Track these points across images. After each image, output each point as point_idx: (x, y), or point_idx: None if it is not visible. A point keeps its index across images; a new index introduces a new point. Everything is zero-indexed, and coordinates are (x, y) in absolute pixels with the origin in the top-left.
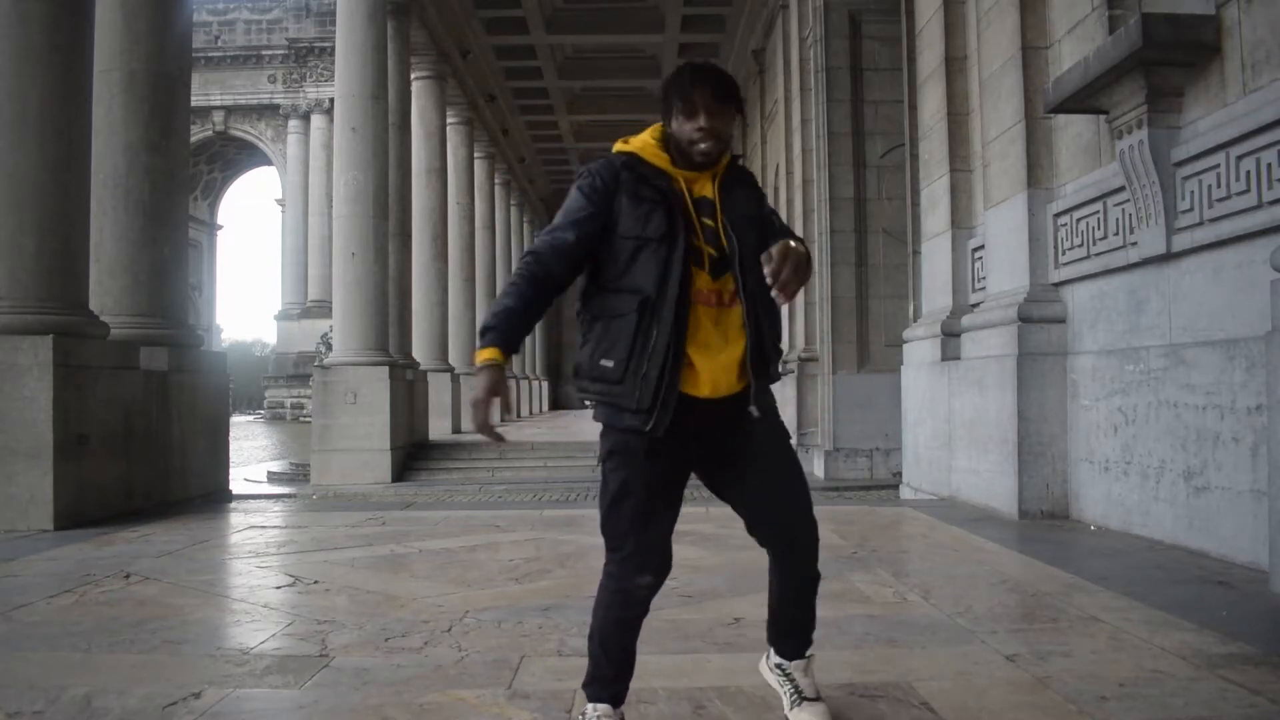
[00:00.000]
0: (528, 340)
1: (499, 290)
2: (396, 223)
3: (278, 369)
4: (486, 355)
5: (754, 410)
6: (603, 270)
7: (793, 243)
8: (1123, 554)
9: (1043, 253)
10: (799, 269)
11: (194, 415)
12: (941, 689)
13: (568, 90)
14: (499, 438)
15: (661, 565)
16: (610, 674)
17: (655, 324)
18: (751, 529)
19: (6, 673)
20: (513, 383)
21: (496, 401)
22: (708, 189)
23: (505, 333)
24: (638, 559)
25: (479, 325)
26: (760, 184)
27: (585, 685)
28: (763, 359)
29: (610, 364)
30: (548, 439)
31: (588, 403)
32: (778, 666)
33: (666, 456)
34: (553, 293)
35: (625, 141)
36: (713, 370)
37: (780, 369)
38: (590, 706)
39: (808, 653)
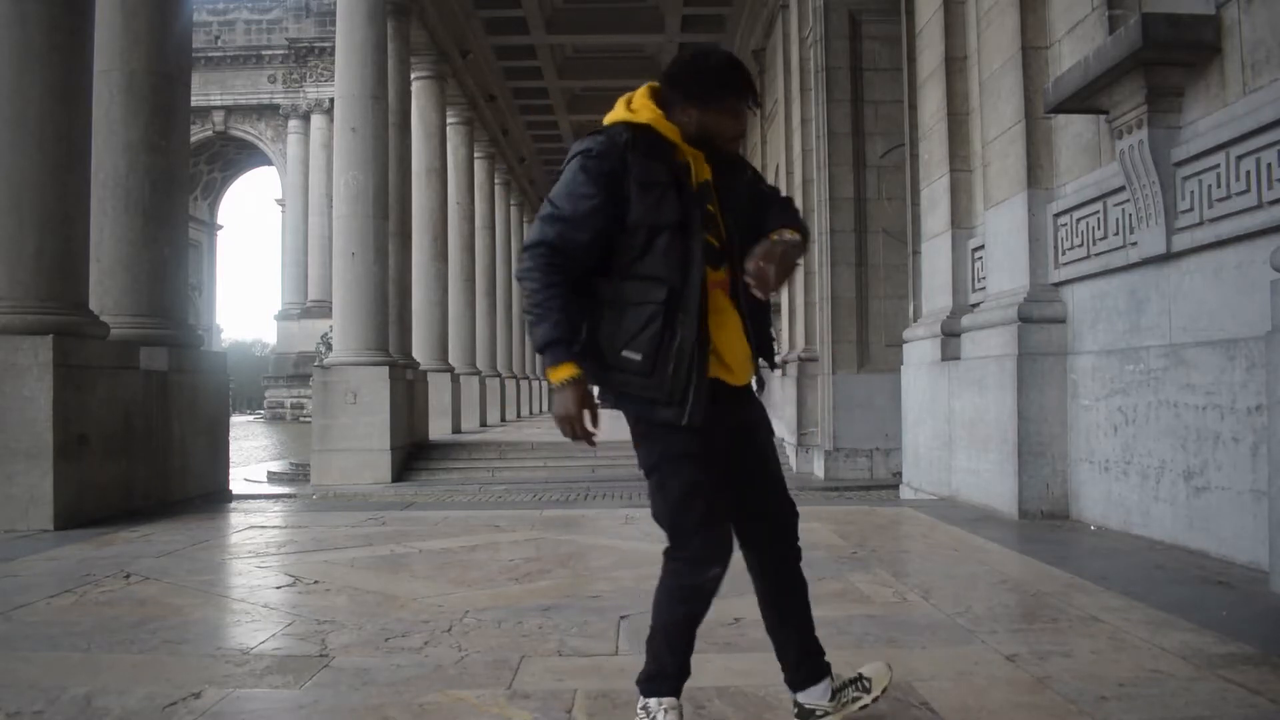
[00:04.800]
0: (527, 341)
1: (514, 286)
2: (396, 223)
3: (278, 369)
4: (564, 373)
5: (756, 390)
6: (613, 255)
7: (786, 234)
8: (1123, 554)
9: (1043, 253)
10: (786, 266)
11: (194, 415)
12: (941, 689)
13: (568, 90)
14: (593, 442)
15: (726, 555)
16: (674, 670)
17: (681, 314)
18: (738, 510)
19: (6, 673)
20: (511, 383)
21: (587, 414)
22: (705, 171)
23: (569, 344)
24: (705, 554)
25: (540, 339)
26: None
27: (642, 681)
28: (767, 345)
29: (637, 356)
30: (548, 439)
31: (598, 390)
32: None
33: (712, 446)
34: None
35: (630, 107)
36: (735, 357)
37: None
38: (654, 701)
39: (829, 677)
